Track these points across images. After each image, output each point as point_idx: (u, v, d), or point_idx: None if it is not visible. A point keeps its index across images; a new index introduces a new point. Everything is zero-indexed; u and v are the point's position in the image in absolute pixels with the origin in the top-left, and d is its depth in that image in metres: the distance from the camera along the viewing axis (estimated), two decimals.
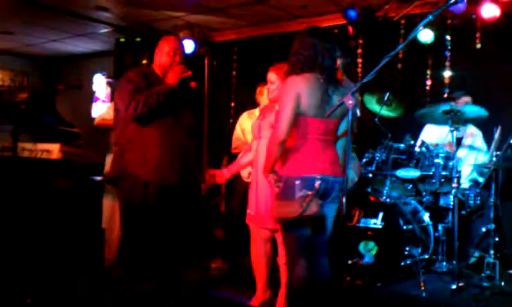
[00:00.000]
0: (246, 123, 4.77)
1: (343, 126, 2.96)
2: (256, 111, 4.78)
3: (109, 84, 7.88)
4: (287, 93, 2.81)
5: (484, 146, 4.76)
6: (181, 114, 3.46)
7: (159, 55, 3.47)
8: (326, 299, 2.92)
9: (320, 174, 2.78)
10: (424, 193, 4.53)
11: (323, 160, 2.82)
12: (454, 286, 3.82)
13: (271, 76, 3.51)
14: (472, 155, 4.75)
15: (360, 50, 5.87)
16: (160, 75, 3.43)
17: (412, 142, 4.52)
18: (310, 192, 2.72)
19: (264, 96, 4.57)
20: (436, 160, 4.33)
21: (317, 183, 2.75)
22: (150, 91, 3.29)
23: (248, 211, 3.67)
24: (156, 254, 3.37)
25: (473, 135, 4.80)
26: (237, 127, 4.85)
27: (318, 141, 2.84)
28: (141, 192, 3.36)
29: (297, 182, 2.76)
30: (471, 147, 4.78)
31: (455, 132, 4.05)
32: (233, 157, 4.50)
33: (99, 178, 4.50)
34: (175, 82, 3.35)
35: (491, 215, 4.09)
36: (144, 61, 6.87)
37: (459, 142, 4.61)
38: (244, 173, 4.61)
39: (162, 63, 3.44)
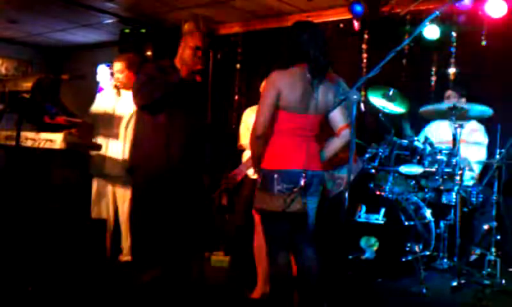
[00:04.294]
0: (250, 119, 4.75)
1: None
2: None
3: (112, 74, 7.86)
4: (266, 88, 2.84)
5: (485, 140, 4.75)
6: (187, 108, 3.49)
7: (183, 48, 3.49)
8: (316, 290, 2.94)
9: (299, 168, 2.81)
10: (426, 189, 4.52)
11: (301, 154, 2.84)
12: (454, 284, 3.82)
13: None
14: (472, 151, 4.74)
15: (365, 46, 5.86)
16: (178, 68, 3.46)
17: (415, 138, 4.51)
18: (295, 189, 2.76)
19: None
20: (439, 157, 4.32)
21: (302, 181, 2.78)
22: (158, 82, 3.33)
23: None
24: (160, 246, 3.42)
25: (474, 130, 4.79)
26: (242, 124, 4.84)
27: (297, 135, 2.86)
28: (145, 184, 3.44)
29: (276, 175, 2.79)
30: (471, 143, 4.77)
31: (459, 129, 4.06)
32: (237, 154, 4.52)
33: None
34: (186, 74, 3.40)
35: (493, 212, 4.09)
36: (148, 53, 6.89)
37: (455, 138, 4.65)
38: (250, 170, 4.61)
39: (184, 56, 3.47)
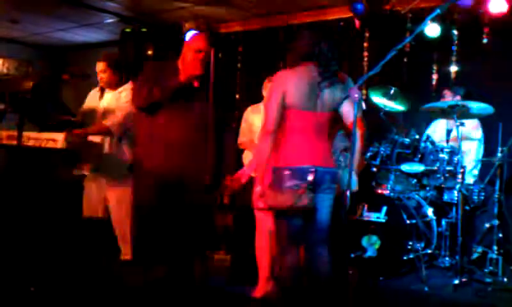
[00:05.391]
0: (252, 118, 4.76)
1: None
2: (262, 105, 4.76)
3: None
4: (272, 88, 2.89)
5: (480, 134, 4.74)
6: (186, 110, 3.50)
7: (186, 50, 3.49)
8: (327, 289, 2.94)
9: (309, 164, 2.82)
10: (428, 188, 4.52)
11: (311, 151, 2.86)
12: (456, 281, 3.82)
13: None
14: (472, 147, 4.73)
15: (366, 44, 5.85)
16: (180, 70, 3.47)
17: (417, 136, 4.51)
18: (303, 185, 2.77)
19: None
20: (441, 155, 4.32)
21: (311, 177, 2.78)
22: (155, 85, 3.34)
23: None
24: (162, 246, 3.44)
25: (474, 127, 4.78)
26: (243, 122, 4.85)
27: (305, 133, 2.88)
28: (145, 184, 3.46)
29: (286, 172, 2.82)
30: (472, 140, 4.76)
31: (460, 128, 4.05)
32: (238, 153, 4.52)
33: None
34: (185, 79, 3.40)
35: (495, 211, 4.09)
36: (149, 52, 6.89)
37: (449, 134, 4.66)
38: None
39: (186, 59, 3.47)
